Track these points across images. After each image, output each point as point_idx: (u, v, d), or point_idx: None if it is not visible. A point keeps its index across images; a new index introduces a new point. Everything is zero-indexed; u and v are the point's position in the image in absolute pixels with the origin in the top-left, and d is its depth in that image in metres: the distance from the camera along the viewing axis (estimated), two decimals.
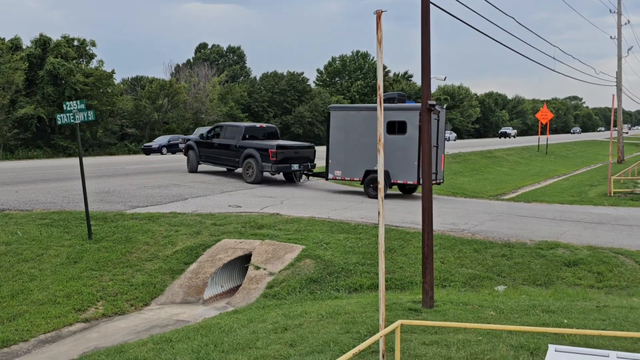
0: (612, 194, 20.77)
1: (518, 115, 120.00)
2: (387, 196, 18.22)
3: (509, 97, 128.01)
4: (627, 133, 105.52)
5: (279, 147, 19.58)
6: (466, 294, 9.44)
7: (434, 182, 17.01)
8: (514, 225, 13.69)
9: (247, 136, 20.77)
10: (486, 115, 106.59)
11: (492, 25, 14.60)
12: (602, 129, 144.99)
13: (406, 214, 14.45)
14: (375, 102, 18.80)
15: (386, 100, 18.17)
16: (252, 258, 11.39)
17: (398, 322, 6.12)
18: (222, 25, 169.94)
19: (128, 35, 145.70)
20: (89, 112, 11.86)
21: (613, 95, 20.67)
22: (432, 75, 8.26)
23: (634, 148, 58.47)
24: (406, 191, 19.01)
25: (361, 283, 10.09)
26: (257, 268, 11.03)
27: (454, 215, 14.82)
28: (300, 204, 15.85)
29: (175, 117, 58.20)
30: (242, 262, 11.68)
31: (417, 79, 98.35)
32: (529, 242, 11.92)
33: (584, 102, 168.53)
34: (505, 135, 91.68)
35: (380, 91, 6.17)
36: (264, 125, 22.64)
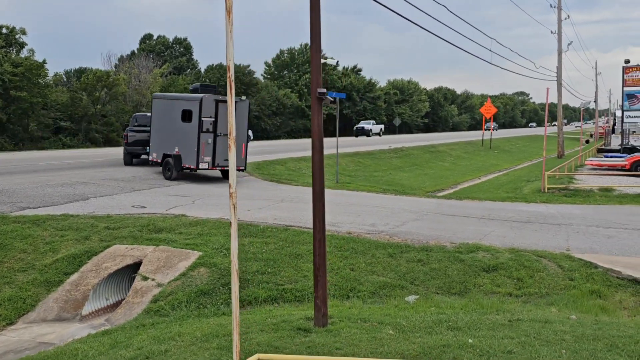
0: (546, 190, 20.27)
1: (467, 110, 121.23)
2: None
3: (458, 92, 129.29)
4: (579, 127, 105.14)
5: (130, 130, 22.44)
6: (370, 307, 8.43)
7: (226, 168, 19.29)
8: (437, 226, 12.81)
9: (136, 124, 22.92)
10: (435, 110, 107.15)
11: (434, 19, 13.84)
12: (534, 124, 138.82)
13: None
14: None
15: (192, 91, 20.72)
16: (142, 267, 10.13)
17: (254, 358, 5.11)
18: (171, 15, 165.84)
19: (72, 26, 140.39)
20: None
21: (547, 88, 20.15)
22: (322, 60, 7.18)
23: (575, 143, 59.20)
24: (224, 175, 20.26)
25: (257, 295, 8.97)
26: (145, 278, 9.78)
27: (376, 214, 13.86)
28: (213, 203, 14.63)
29: (114, 109, 55.83)
30: (133, 272, 10.40)
31: (365, 73, 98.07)
32: (449, 244, 11.03)
33: (531, 98, 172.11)
34: (363, 132, 65.17)
35: (230, 73, 5.05)
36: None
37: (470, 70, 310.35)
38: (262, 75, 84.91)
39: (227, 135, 18.24)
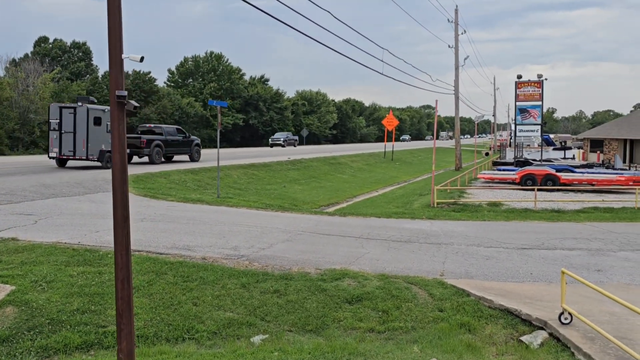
0: (435, 205, 19.73)
1: (375, 122, 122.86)
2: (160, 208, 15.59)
3: (366, 104, 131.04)
4: (491, 138, 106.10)
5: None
6: (203, 354, 7.05)
7: (72, 158, 24.43)
8: (308, 248, 11.64)
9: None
10: (343, 122, 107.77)
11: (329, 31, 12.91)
12: (407, 137, 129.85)
13: (183, 235, 11.94)
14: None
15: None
16: None
17: None
18: (69, 18, 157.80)
19: None
20: None
21: (437, 100, 19.68)
22: (124, 56, 5.78)
23: (472, 155, 60.54)
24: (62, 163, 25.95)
25: (68, 341, 7.33)
26: None
27: (244, 235, 12.51)
28: (60, 223, 12.75)
29: None
30: None
31: (272, 83, 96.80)
32: (314, 271, 9.86)
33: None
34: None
35: None
36: None
37: (380, 83, 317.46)
38: (165, 83, 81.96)
39: (70, 132, 24.06)
